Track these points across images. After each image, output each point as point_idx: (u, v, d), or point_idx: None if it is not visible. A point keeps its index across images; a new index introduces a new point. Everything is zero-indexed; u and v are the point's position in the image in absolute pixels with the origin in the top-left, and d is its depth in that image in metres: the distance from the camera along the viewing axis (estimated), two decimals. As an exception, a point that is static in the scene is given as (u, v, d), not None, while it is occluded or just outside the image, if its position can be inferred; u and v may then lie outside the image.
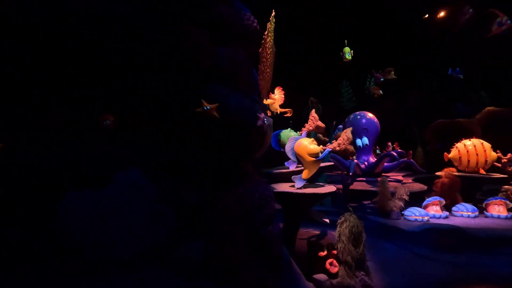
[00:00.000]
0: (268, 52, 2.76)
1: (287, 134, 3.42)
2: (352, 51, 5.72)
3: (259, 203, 2.11)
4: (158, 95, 1.89)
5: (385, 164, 6.03)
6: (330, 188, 2.79)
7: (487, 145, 5.05)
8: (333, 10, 10.60)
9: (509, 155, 5.17)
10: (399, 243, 3.85)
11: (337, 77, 11.45)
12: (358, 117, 6.71)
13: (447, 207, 4.55)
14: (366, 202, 4.73)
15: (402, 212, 4.35)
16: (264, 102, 7.00)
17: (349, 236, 2.65)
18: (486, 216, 4.32)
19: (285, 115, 7.63)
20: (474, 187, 5.16)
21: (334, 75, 11.36)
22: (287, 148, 2.88)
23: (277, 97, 6.93)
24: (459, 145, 5.25)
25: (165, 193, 1.86)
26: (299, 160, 2.85)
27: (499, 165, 5.21)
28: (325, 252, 2.69)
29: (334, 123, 6.85)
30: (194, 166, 1.94)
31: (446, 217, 4.30)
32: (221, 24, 2.06)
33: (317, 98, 10.76)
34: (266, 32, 2.74)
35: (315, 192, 2.60)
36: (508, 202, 4.39)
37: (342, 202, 4.89)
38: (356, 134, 6.60)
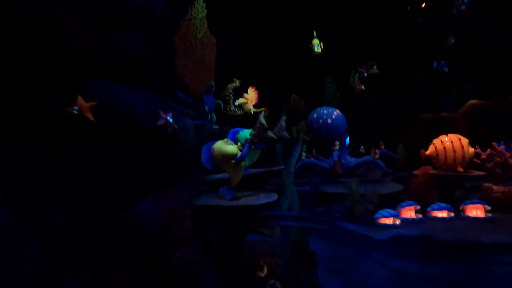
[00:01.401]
0: (199, 41, 2.37)
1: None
2: (322, 43, 5.34)
3: (165, 223, 1.71)
4: (17, 94, 1.48)
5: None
6: (268, 198, 2.40)
7: (464, 140, 4.72)
8: (315, 3, 10.23)
9: (488, 150, 4.83)
10: (365, 252, 3.48)
11: (321, 73, 11.08)
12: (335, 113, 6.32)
13: (424, 208, 4.22)
14: (335, 206, 4.35)
15: (374, 216, 3.99)
16: (236, 102, 6.62)
17: (292, 253, 2.27)
18: (462, 218, 3.98)
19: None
20: (452, 186, 4.83)
21: (317, 71, 10.98)
22: (203, 159, 2.48)
23: (250, 96, 6.57)
24: (436, 141, 4.93)
25: (26, 218, 1.44)
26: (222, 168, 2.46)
27: (478, 161, 4.87)
28: (265, 272, 2.30)
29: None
30: (69, 182, 1.54)
31: (420, 221, 3.95)
32: (111, 6, 1.65)
33: (299, 95, 10.40)
34: (189, 18, 2.35)
35: (246, 204, 2.21)
36: (486, 206, 4.08)
37: (310, 206, 4.52)
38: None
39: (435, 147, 4.87)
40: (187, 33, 2.34)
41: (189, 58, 2.46)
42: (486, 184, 4.79)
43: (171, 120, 1.72)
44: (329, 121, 5.85)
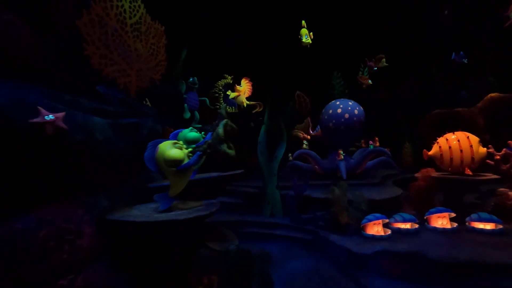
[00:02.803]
0: (131, 28, 2.02)
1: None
2: (311, 33, 4.86)
3: (43, 245, 1.38)
4: None
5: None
6: (204, 210, 2.01)
7: (474, 139, 4.10)
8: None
9: (503, 150, 4.18)
10: (345, 269, 3.02)
11: (328, 68, 10.52)
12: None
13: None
14: (320, 213, 3.89)
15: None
16: (230, 95, 6.25)
17: (230, 276, 1.89)
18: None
19: (254, 111, 6.83)
20: (459, 191, 4.22)
21: (324, 66, 10.45)
22: (145, 156, 2.12)
23: (243, 88, 6.17)
24: (441, 140, 4.33)
25: None
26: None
27: (492, 162, 4.23)
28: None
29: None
30: None
31: (417, 231, 3.43)
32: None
33: (304, 91, 9.96)
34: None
35: (169, 219, 1.83)
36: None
37: (293, 212, 4.08)
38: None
39: (440, 147, 4.28)
40: (101, 17, 2.00)
41: (111, 46, 2.12)
42: (501, 189, 4.15)
43: (50, 118, 1.39)
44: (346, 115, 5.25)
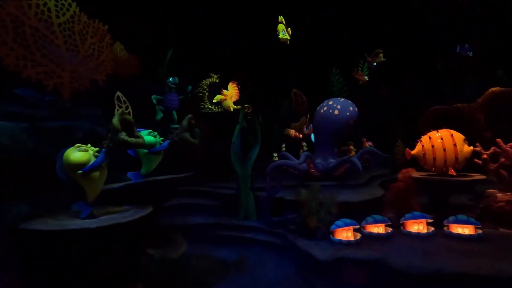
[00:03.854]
0: (60, 27, 1.94)
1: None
2: (290, 28, 4.69)
3: None
4: None
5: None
6: (127, 216, 1.91)
7: (458, 137, 3.85)
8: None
9: (492, 149, 3.90)
10: (305, 277, 2.87)
11: (326, 65, 10.26)
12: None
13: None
14: (291, 216, 3.75)
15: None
16: (214, 99, 6.16)
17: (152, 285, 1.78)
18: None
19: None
20: (442, 192, 3.98)
21: (322, 63, 10.22)
22: (57, 167, 2.04)
23: (229, 93, 6.08)
24: (424, 138, 4.10)
25: None
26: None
27: (480, 162, 3.96)
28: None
29: None
30: None
31: (389, 236, 3.23)
32: None
33: (301, 89, 9.78)
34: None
35: (78, 228, 1.73)
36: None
37: (266, 215, 3.95)
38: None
39: (422, 146, 4.05)
40: (16, 16, 1.92)
41: (31, 47, 2.03)
42: (490, 191, 3.90)
43: None
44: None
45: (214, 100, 6.17)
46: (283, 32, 4.57)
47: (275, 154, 5.14)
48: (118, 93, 4.87)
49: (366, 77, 9.19)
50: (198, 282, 2.28)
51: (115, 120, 2.01)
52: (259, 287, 2.83)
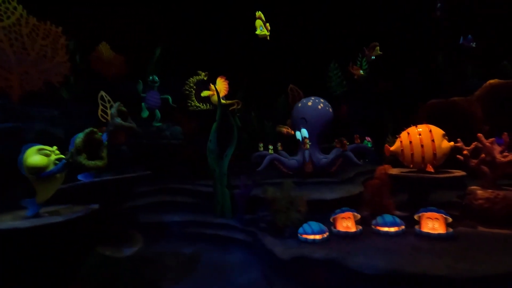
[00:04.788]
0: (5, 30, 1.98)
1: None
2: (268, 23, 4.62)
3: None
4: None
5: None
6: (62, 217, 1.93)
7: (436, 132, 3.72)
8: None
9: (473, 145, 3.75)
10: (265, 276, 2.85)
11: (323, 60, 10.10)
12: (300, 104, 5.55)
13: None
14: (262, 214, 3.73)
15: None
16: (202, 94, 6.18)
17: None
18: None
19: (232, 108, 6.71)
20: (419, 189, 3.86)
21: (319, 57, 10.05)
22: (18, 160, 2.06)
23: (217, 87, 6.07)
24: (403, 134, 3.98)
25: None
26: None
27: (461, 158, 3.82)
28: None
29: None
30: None
31: (357, 234, 3.17)
32: None
33: (297, 84, 9.66)
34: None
35: (9, 228, 1.76)
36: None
37: (240, 212, 3.95)
38: (295, 125, 5.50)
39: (401, 142, 3.93)
40: None
41: None
42: (471, 188, 3.75)
43: None
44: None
45: (202, 95, 6.17)
46: (261, 28, 4.50)
47: (271, 147, 5.10)
48: (102, 92, 4.95)
49: (361, 71, 8.99)
50: (149, 280, 2.29)
51: (79, 141, 2.01)
52: (218, 284, 2.82)
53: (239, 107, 6.86)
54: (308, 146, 4.95)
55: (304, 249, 2.78)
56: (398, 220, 3.20)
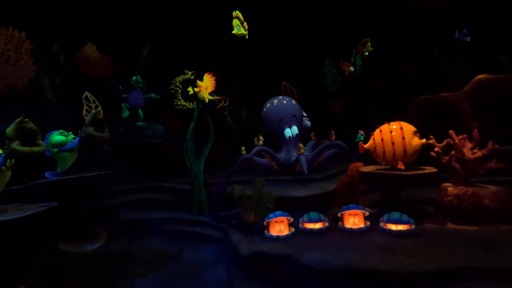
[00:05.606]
0: None
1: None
2: (245, 23, 4.66)
3: None
4: None
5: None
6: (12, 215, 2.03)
7: (407, 130, 3.74)
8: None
9: (445, 141, 3.75)
10: (227, 272, 2.93)
11: (317, 56, 10.06)
12: (284, 101, 5.56)
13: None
14: (235, 211, 3.80)
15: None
16: (190, 91, 6.26)
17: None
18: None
19: (219, 106, 6.78)
20: (390, 187, 3.89)
21: (313, 54, 10.03)
22: None
23: (204, 83, 6.15)
24: (376, 131, 4.00)
25: None
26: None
27: (434, 154, 3.82)
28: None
29: None
30: None
31: (322, 231, 3.22)
32: None
33: (291, 81, 9.68)
34: None
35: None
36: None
37: (216, 209, 4.03)
38: (285, 122, 5.49)
39: (373, 139, 3.96)
40: None
41: None
42: (443, 185, 3.76)
43: None
44: (264, 111, 5.21)
45: (190, 93, 6.23)
46: (238, 28, 4.54)
47: (243, 148, 5.18)
48: (86, 93, 5.07)
49: (352, 68, 8.96)
50: (116, 275, 2.38)
51: (9, 129, 2.11)
52: (184, 280, 2.92)
53: (226, 104, 6.93)
54: (302, 151, 5.04)
55: (263, 245, 2.84)
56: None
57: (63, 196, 2.67)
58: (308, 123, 6.58)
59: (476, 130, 3.60)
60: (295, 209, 3.53)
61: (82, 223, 3.03)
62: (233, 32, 4.50)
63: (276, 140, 5.45)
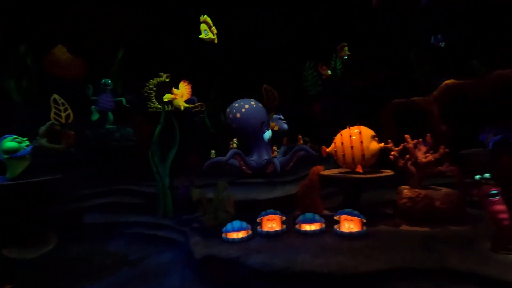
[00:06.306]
0: None
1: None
2: (214, 27, 4.70)
3: None
4: None
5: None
6: None
7: (365, 134, 3.84)
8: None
9: (401, 146, 3.87)
10: (180, 275, 2.97)
11: (298, 59, 10.15)
12: (259, 104, 5.59)
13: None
14: (197, 214, 3.84)
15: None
16: (164, 98, 6.25)
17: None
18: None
19: (195, 110, 6.79)
20: (351, 190, 3.99)
21: (294, 57, 10.10)
22: None
23: (180, 91, 6.16)
24: (338, 135, 4.09)
25: None
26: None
27: (392, 158, 3.94)
28: None
29: None
30: None
31: (278, 234, 3.29)
32: None
33: (272, 84, 9.73)
34: None
35: None
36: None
37: (180, 213, 4.06)
38: (266, 125, 5.54)
39: (335, 143, 4.06)
40: None
41: None
42: (400, 187, 3.88)
43: None
44: (238, 115, 5.23)
45: (164, 99, 6.25)
46: (205, 32, 4.58)
47: (235, 141, 5.21)
48: (55, 95, 5.03)
49: (329, 71, 9.09)
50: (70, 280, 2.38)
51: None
52: (139, 284, 2.94)
53: (203, 109, 6.96)
54: (276, 153, 5.13)
55: (215, 248, 2.89)
56: (317, 218, 3.32)
57: (8, 201, 2.66)
58: (285, 125, 6.64)
59: (429, 134, 3.73)
60: (256, 212, 3.58)
61: (31, 228, 3.02)
62: (200, 36, 4.54)
63: (249, 143, 5.50)
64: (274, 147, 5.42)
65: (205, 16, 4.71)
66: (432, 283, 2.28)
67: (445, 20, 8.83)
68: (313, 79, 10.22)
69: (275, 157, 5.00)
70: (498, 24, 7.40)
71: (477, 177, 2.74)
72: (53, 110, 5.03)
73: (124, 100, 5.45)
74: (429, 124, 6.63)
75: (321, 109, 9.62)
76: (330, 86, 9.89)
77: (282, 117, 6.77)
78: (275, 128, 6.82)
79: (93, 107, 5.12)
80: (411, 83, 9.61)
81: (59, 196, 3.86)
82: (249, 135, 5.32)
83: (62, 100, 5.12)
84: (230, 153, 4.63)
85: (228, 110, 5.39)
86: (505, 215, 2.55)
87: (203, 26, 4.60)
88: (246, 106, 5.35)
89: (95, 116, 5.07)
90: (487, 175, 2.74)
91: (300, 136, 5.36)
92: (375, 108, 8.68)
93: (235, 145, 5.26)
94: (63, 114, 5.07)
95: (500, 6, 7.14)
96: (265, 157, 5.05)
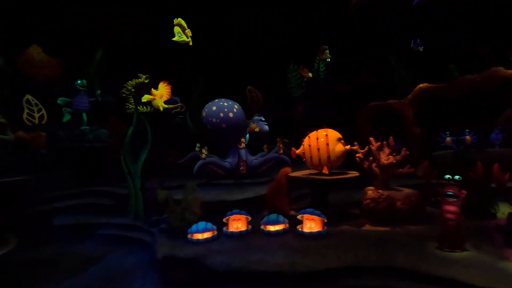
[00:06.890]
0: None
1: None
2: (188, 30, 4.74)
3: None
4: None
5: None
6: None
7: (332, 136, 3.93)
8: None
9: (366, 148, 3.98)
10: (143, 275, 2.99)
11: (282, 61, 10.23)
12: (221, 115, 5.29)
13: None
14: (166, 215, 3.86)
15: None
16: (143, 99, 6.23)
17: None
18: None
19: (175, 111, 6.79)
20: (318, 191, 4.09)
21: (278, 59, 10.17)
22: None
23: (159, 92, 6.15)
24: (306, 138, 4.18)
25: None
26: None
27: (358, 159, 4.05)
28: None
29: None
30: None
31: (242, 234, 3.35)
32: None
33: (256, 85, 9.77)
34: None
35: None
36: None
37: (151, 214, 4.08)
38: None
39: (303, 145, 4.15)
40: None
41: None
42: (366, 188, 3.99)
43: None
44: (230, 115, 5.20)
45: (143, 100, 6.23)
46: (179, 35, 4.61)
47: (204, 151, 5.22)
48: (28, 96, 4.98)
49: (310, 74, 9.20)
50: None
51: None
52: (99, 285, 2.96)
53: (183, 110, 6.97)
54: (244, 145, 5.21)
55: (178, 248, 2.93)
56: (281, 219, 3.40)
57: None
58: (266, 127, 6.69)
59: (392, 137, 3.85)
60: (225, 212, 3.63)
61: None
62: (173, 39, 4.57)
63: (227, 144, 5.54)
64: (242, 139, 5.42)
65: (179, 19, 4.74)
66: (379, 280, 2.37)
67: (427, 23, 8.99)
68: (297, 81, 10.32)
69: (242, 148, 5.11)
70: (477, 28, 7.61)
71: (447, 176, 2.83)
72: (26, 110, 4.99)
73: (99, 92, 5.40)
74: (401, 126, 6.85)
75: (303, 111, 9.73)
76: (313, 88, 10.00)
77: (263, 119, 6.81)
78: (255, 130, 6.87)
79: (64, 108, 5.09)
80: (391, 86, 9.81)
81: (24, 198, 3.84)
82: (233, 136, 5.32)
83: (36, 101, 5.08)
84: (198, 165, 4.66)
85: (215, 109, 5.27)
86: (451, 216, 2.67)
87: (176, 29, 4.63)
88: (236, 106, 5.41)
89: (66, 118, 5.05)
90: (457, 177, 2.83)
91: (279, 139, 5.40)
92: (357, 110, 8.85)
93: (203, 156, 5.08)
94: (36, 115, 5.04)
95: (480, 10, 7.35)
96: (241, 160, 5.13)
